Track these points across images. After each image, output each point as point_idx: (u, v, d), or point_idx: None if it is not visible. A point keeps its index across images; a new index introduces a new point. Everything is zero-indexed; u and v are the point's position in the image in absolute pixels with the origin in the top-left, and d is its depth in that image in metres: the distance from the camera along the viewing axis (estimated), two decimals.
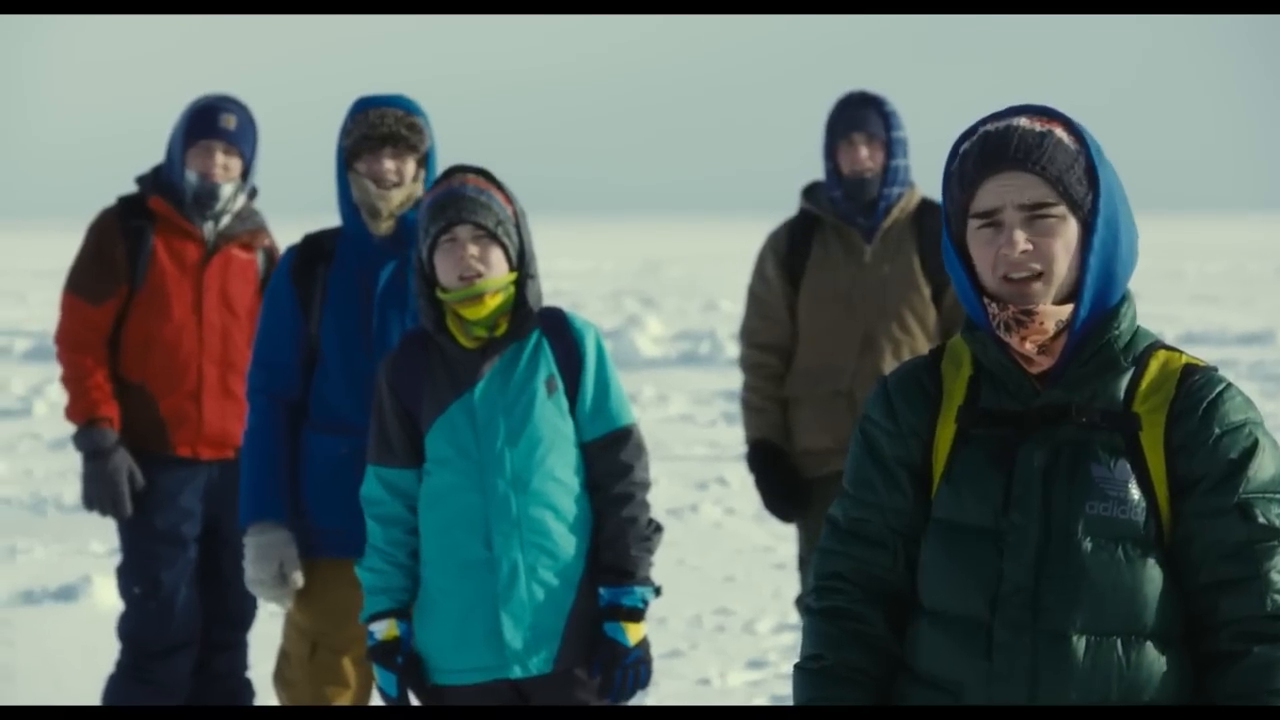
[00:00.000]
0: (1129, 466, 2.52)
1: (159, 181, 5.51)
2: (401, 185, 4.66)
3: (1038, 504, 2.52)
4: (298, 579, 4.61)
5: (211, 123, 5.46)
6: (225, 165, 5.46)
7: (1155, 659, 2.50)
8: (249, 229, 5.56)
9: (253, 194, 5.63)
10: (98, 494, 5.42)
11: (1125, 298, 2.57)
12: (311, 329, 4.66)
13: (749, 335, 5.72)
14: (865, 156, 5.59)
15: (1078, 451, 2.53)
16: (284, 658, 4.74)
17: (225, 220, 5.52)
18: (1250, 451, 2.51)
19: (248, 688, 5.62)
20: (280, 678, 4.74)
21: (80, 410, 5.44)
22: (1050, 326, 2.52)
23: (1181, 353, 2.59)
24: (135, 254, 5.47)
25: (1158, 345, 2.59)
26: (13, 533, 10.07)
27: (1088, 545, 2.51)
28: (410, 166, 4.68)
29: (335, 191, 4.72)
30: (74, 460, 5.51)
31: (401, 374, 4.03)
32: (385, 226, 4.66)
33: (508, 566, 3.97)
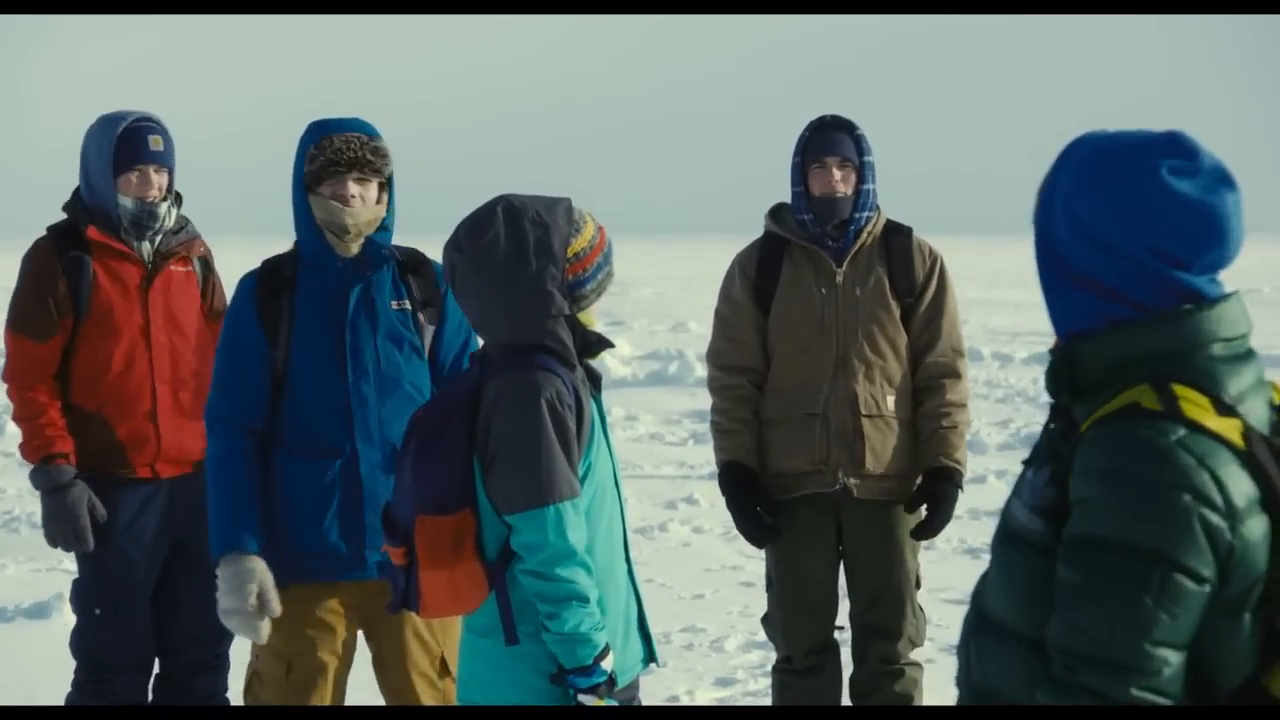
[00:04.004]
0: None
1: (91, 208, 5.49)
2: (365, 207, 4.69)
3: None
4: (276, 607, 4.59)
5: (140, 148, 5.47)
6: (159, 186, 5.49)
7: None
8: (183, 241, 5.57)
9: (179, 201, 5.62)
10: (59, 530, 5.42)
11: None
12: (278, 355, 4.65)
13: (716, 357, 5.72)
14: (838, 180, 5.62)
15: None
16: (255, 677, 4.73)
17: (160, 238, 5.54)
18: None
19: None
20: (253, 697, 4.73)
21: (35, 448, 5.44)
22: None
23: None
24: (77, 285, 5.45)
25: None
26: None
27: None
28: (373, 190, 4.70)
29: (292, 215, 4.72)
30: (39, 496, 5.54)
31: (570, 397, 3.88)
32: (355, 246, 4.68)
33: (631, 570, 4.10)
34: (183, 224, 5.59)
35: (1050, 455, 2.59)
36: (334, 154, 4.64)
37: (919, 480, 5.62)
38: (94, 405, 5.47)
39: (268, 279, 4.70)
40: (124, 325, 5.46)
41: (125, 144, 5.46)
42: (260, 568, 4.59)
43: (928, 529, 5.60)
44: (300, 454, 4.64)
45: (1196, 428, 2.48)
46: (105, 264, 5.48)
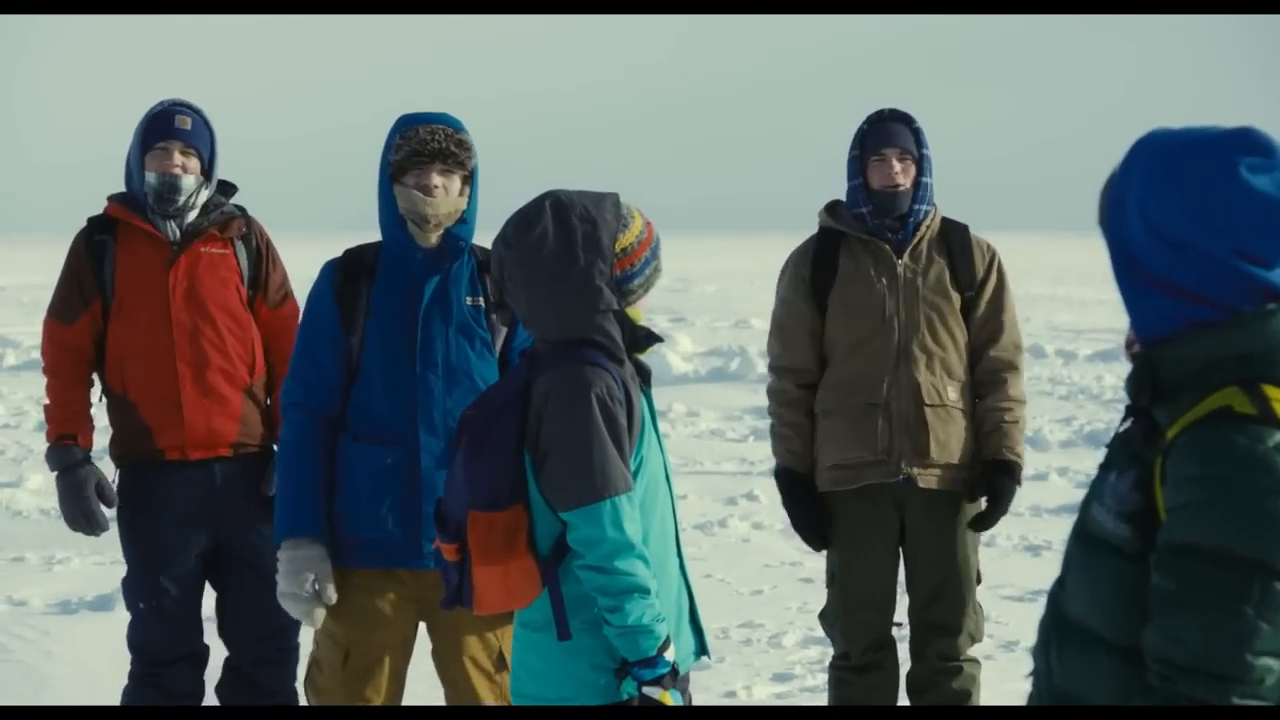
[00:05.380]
0: None
1: (126, 192, 5.53)
2: (448, 198, 4.71)
3: None
4: (331, 594, 4.64)
5: (166, 125, 5.48)
6: (183, 165, 5.47)
7: None
8: (215, 221, 5.52)
9: (231, 190, 5.61)
10: (68, 511, 5.48)
11: None
12: (353, 343, 4.70)
13: (770, 358, 5.75)
14: (898, 172, 5.62)
15: None
16: (315, 665, 4.78)
17: (190, 217, 5.50)
18: None
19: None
20: (312, 684, 4.78)
21: (50, 431, 5.50)
22: None
23: None
24: (100, 268, 5.48)
25: None
26: (50, 544, 10.23)
27: None
28: (456, 183, 4.73)
29: (377, 206, 4.75)
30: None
31: (620, 392, 3.86)
32: (434, 237, 4.71)
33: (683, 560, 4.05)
34: (218, 204, 5.56)
35: (1132, 459, 2.55)
36: (419, 144, 4.67)
37: (980, 472, 5.62)
38: (121, 388, 5.49)
39: (348, 267, 4.73)
40: (145, 307, 5.46)
41: (153, 123, 5.49)
42: (319, 554, 4.63)
43: (987, 520, 5.59)
44: (365, 441, 4.68)
45: None
46: (128, 246, 5.49)
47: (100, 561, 9.68)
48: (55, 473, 5.49)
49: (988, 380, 5.65)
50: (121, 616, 8.36)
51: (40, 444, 14.49)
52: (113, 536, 5.64)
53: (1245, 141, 2.54)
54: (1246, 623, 2.40)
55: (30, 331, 26.06)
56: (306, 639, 5.70)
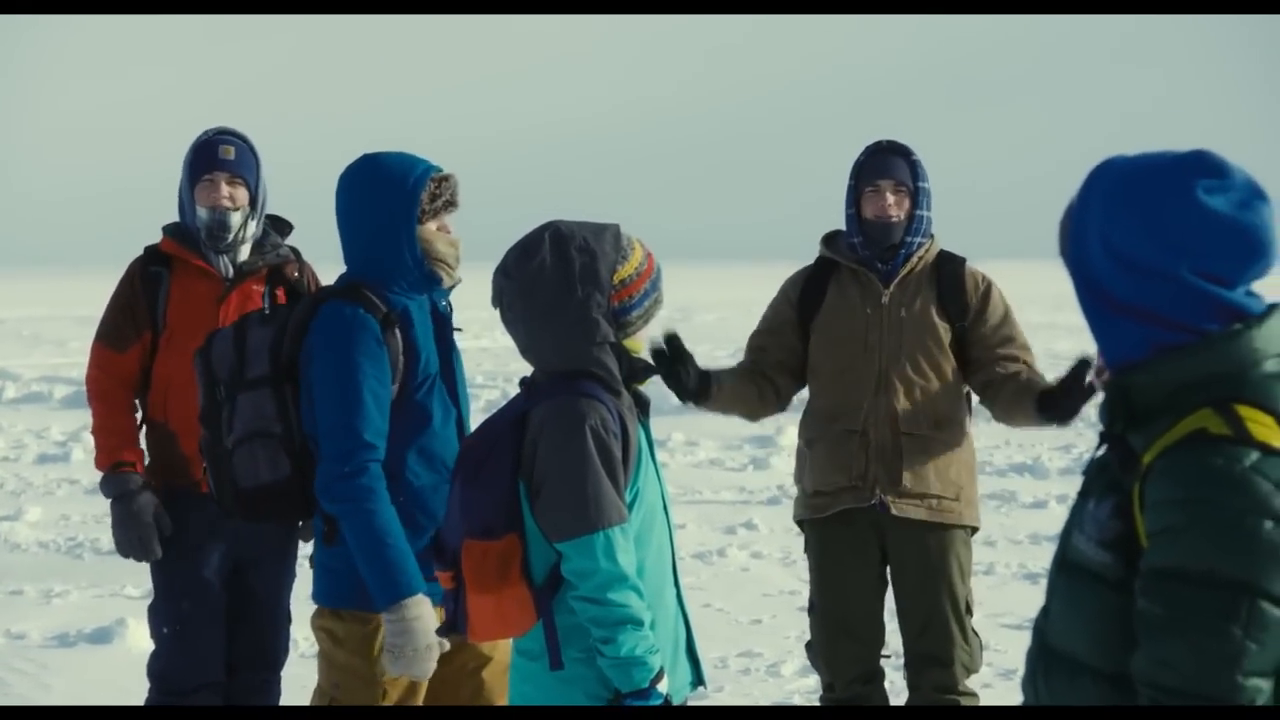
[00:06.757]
0: None
1: (179, 225, 5.58)
2: None
3: None
4: (447, 644, 4.53)
5: (211, 156, 5.52)
6: (231, 195, 5.50)
7: None
8: (270, 262, 5.57)
9: (287, 229, 5.65)
10: (126, 537, 5.49)
11: None
12: (394, 391, 4.56)
13: (751, 338, 5.73)
14: (891, 204, 5.62)
15: None
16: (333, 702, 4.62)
17: (243, 252, 5.55)
18: None
19: None
20: None
21: (104, 457, 5.53)
22: None
23: None
24: (153, 300, 5.53)
25: None
26: (49, 576, 10.19)
27: None
28: None
29: (383, 249, 4.60)
30: (109, 505, 5.63)
31: (615, 424, 3.86)
32: (456, 276, 4.72)
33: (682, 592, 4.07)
34: (274, 245, 5.61)
35: (1110, 486, 2.56)
36: (451, 195, 4.67)
37: (1061, 375, 5.31)
38: (163, 417, 5.54)
39: (383, 318, 4.57)
40: (195, 340, 5.41)
41: (198, 155, 5.54)
42: (431, 607, 4.49)
43: (1062, 406, 5.27)
44: (425, 485, 4.58)
45: (1268, 450, 2.45)
46: (182, 280, 5.54)
47: (99, 594, 9.67)
48: (111, 499, 5.51)
49: (1007, 368, 5.52)
50: (121, 649, 8.41)
51: (38, 477, 14.51)
52: (112, 570, 5.65)
53: (1200, 164, 2.58)
54: (1235, 644, 2.41)
55: (29, 364, 26.04)
56: (294, 674, 5.70)
